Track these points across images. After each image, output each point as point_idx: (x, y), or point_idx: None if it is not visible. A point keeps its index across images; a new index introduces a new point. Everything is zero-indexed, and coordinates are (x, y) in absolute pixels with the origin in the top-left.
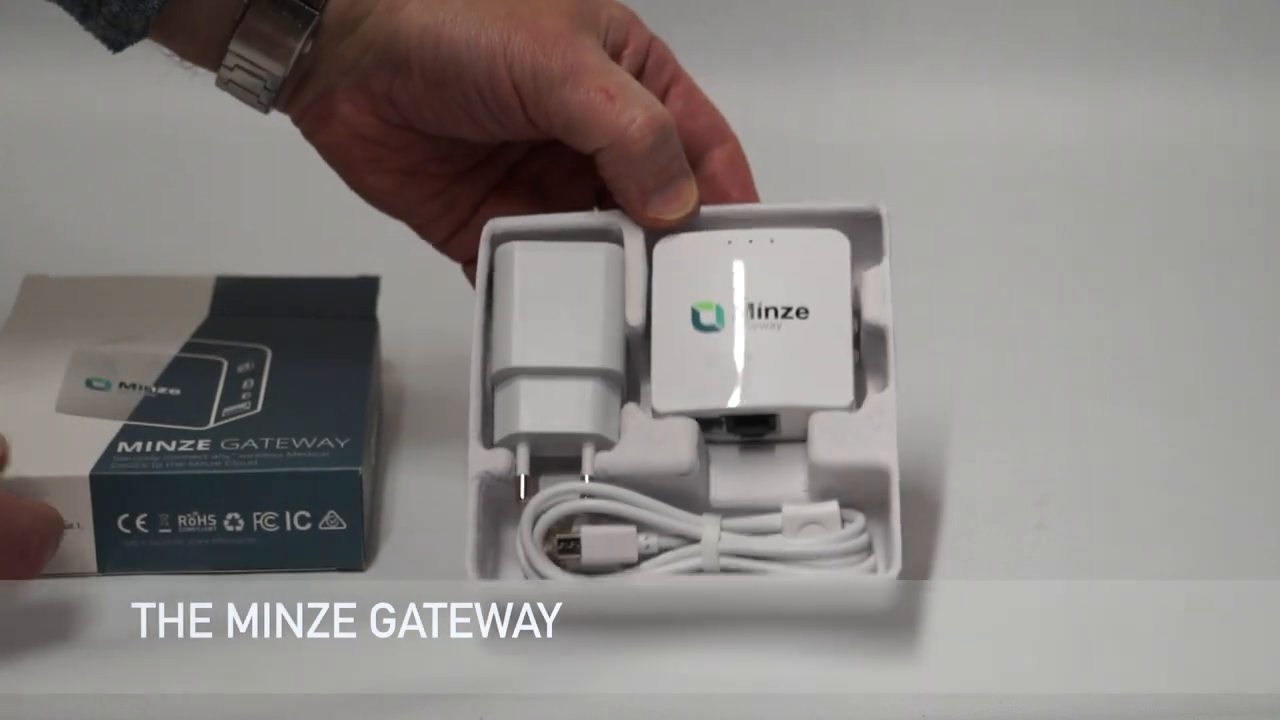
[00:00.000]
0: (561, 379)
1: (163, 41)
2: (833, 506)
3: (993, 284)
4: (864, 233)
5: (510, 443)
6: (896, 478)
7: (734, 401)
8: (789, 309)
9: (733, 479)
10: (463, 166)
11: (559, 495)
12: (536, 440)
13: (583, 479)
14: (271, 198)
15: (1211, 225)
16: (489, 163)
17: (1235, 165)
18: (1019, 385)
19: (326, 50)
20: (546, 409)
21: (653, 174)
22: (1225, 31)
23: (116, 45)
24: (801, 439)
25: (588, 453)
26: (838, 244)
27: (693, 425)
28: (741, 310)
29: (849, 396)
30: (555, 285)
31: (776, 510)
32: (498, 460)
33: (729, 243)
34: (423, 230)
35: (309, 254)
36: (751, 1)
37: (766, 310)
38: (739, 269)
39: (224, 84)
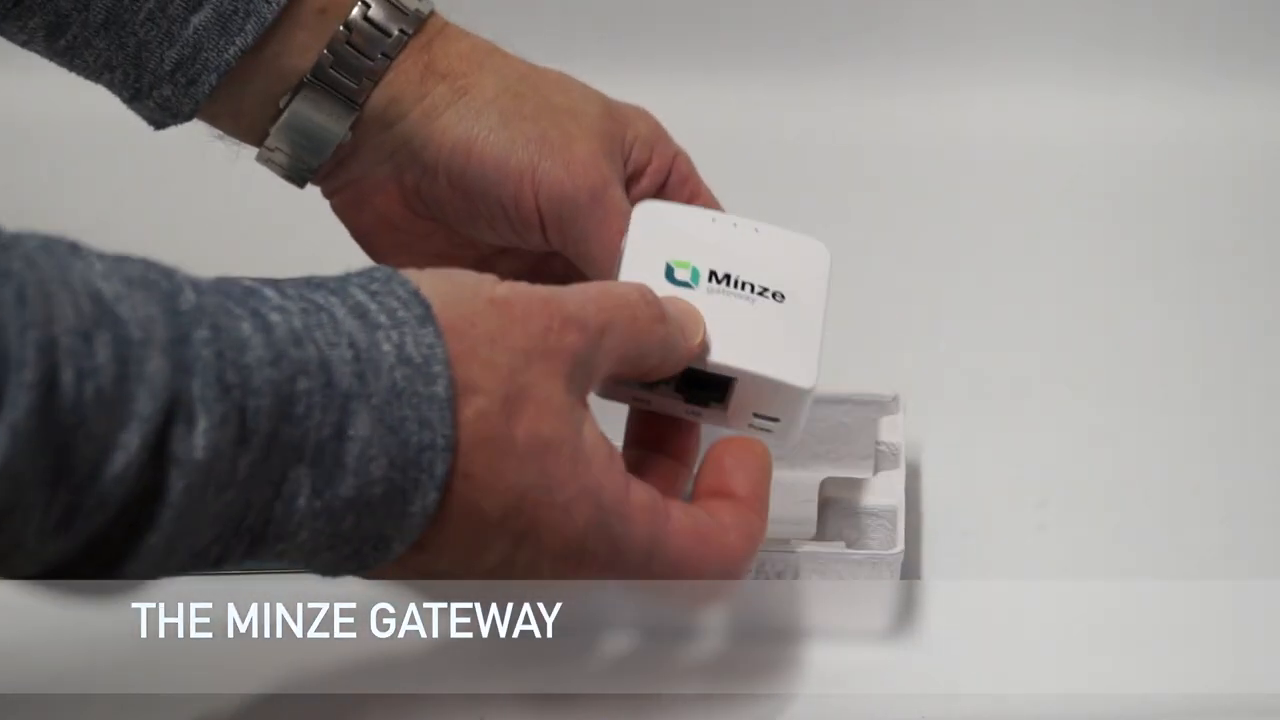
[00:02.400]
0: None
1: (208, 121)
2: (838, 546)
3: (993, 284)
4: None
5: None
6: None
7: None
8: (765, 289)
9: None
10: (485, 253)
11: None
12: None
13: None
14: (272, 199)
15: (1211, 225)
16: (512, 253)
17: (1235, 165)
18: (1019, 385)
19: (364, 141)
20: None
21: (639, 345)
22: (1225, 31)
23: (160, 125)
24: (742, 425)
25: None
26: (819, 252)
27: None
28: (718, 276)
29: (813, 379)
30: None
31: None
32: None
33: (713, 220)
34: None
35: (310, 255)
36: (751, 3)
37: (743, 284)
38: (720, 242)
39: (264, 161)
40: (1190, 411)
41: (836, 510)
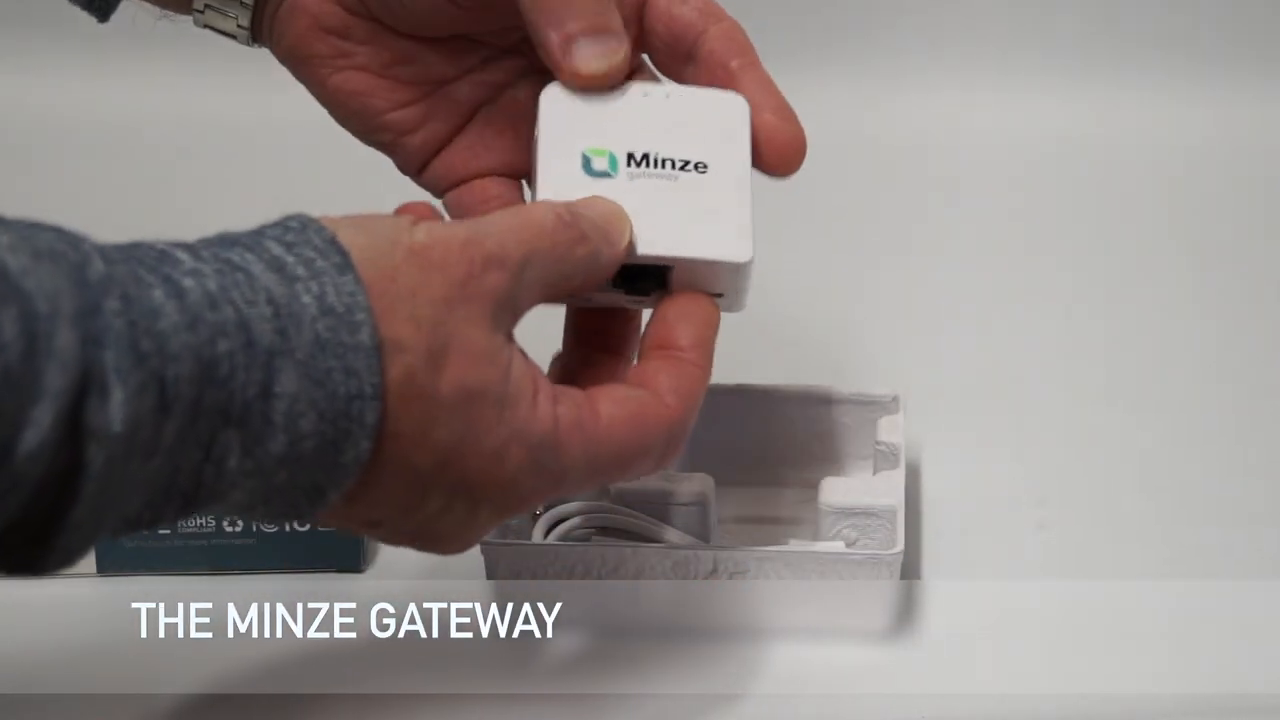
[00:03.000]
0: None
1: None
2: (838, 546)
3: (993, 284)
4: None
5: None
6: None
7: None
8: (686, 162)
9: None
10: (437, 76)
11: (574, 510)
12: None
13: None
14: (272, 200)
15: (1211, 225)
16: (470, 80)
17: (1235, 165)
18: (1019, 385)
19: None
20: None
21: (572, 17)
22: (1225, 32)
23: (104, 9)
24: (688, 289)
25: None
26: (736, 105)
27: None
28: (637, 159)
29: (748, 252)
30: None
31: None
32: None
33: (623, 93)
34: (398, 153)
35: None
36: (751, 3)
37: (663, 161)
38: (634, 118)
39: (201, 24)
40: (1190, 411)
41: (836, 510)
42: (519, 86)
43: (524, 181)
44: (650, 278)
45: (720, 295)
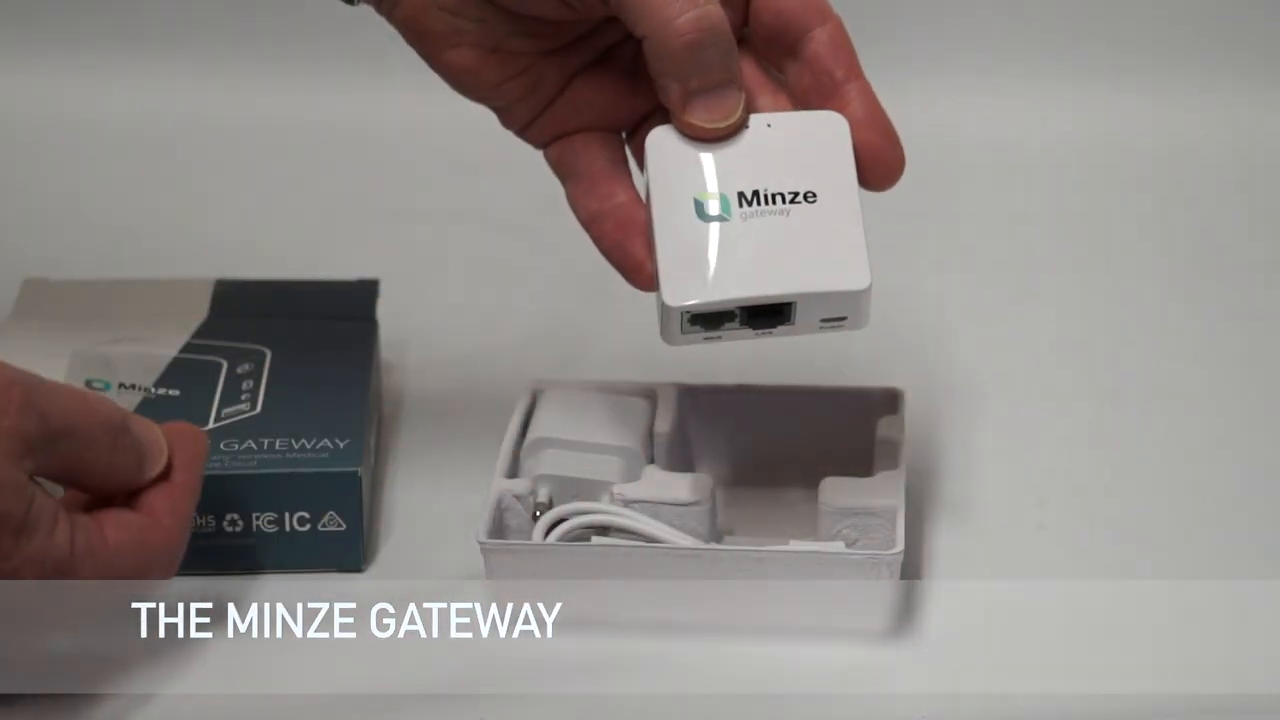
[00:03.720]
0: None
1: None
2: (838, 546)
3: (993, 284)
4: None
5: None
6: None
7: (749, 291)
8: (795, 194)
9: (740, 529)
10: (549, 45)
11: (574, 510)
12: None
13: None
14: (272, 201)
15: (1211, 225)
16: (580, 44)
17: (1235, 165)
18: (1019, 385)
19: None
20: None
21: (695, 74)
22: (1225, 31)
23: None
24: (813, 330)
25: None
26: (836, 124)
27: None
28: (748, 197)
29: (866, 277)
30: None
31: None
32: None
33: None
34: (502, 114)
35: (309, 257)
36: None
37: (773, 196)
38: (738, 154)
39: None
40: (1190, 411)
41: (836, 510)
42: (617, 50)
43: (624, 134)
44: (776, 313)
45: (843, 320)
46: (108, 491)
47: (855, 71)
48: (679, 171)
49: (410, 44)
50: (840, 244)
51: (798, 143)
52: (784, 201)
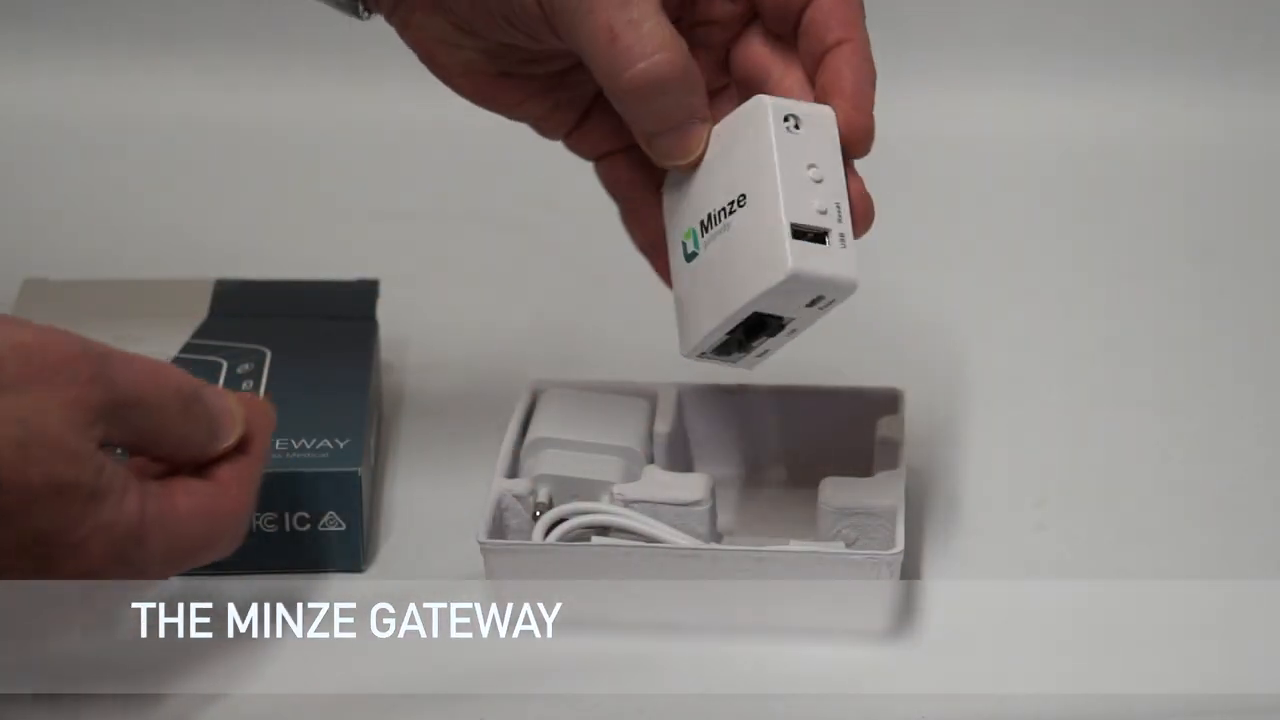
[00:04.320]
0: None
1: None
2: (838, 546)
3: (993, 283)
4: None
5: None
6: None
7: (716, 320)
8: (730, 204)
9: (740, 529)
10: (555, 68)
11: (574, 510)
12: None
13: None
14: (272, 201)
15: (1212, 225)
16: (584, 67)
17: (1235, 165)
18: (1019, 385)
19: None
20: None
21: (652, 120)
22: (1226, 32)
23: None
24: (815, 316)
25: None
26: (756, 109)
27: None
28: (707, 224)
29: (785, 268)
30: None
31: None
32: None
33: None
34: (538, 129)
35: (309, 257)
36: None
37: (718, 215)
38: (704, 176)
39: None
40: (1190, 411)
41: (836, 510)
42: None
43: None
44: (762, 323)
45: (820, 297)
46: (179, 461)
47: (846, 36)
48: (674, 210)
49: (428, 68)
50: (764, 239)
51: (730, 144)
52: (726, 216)
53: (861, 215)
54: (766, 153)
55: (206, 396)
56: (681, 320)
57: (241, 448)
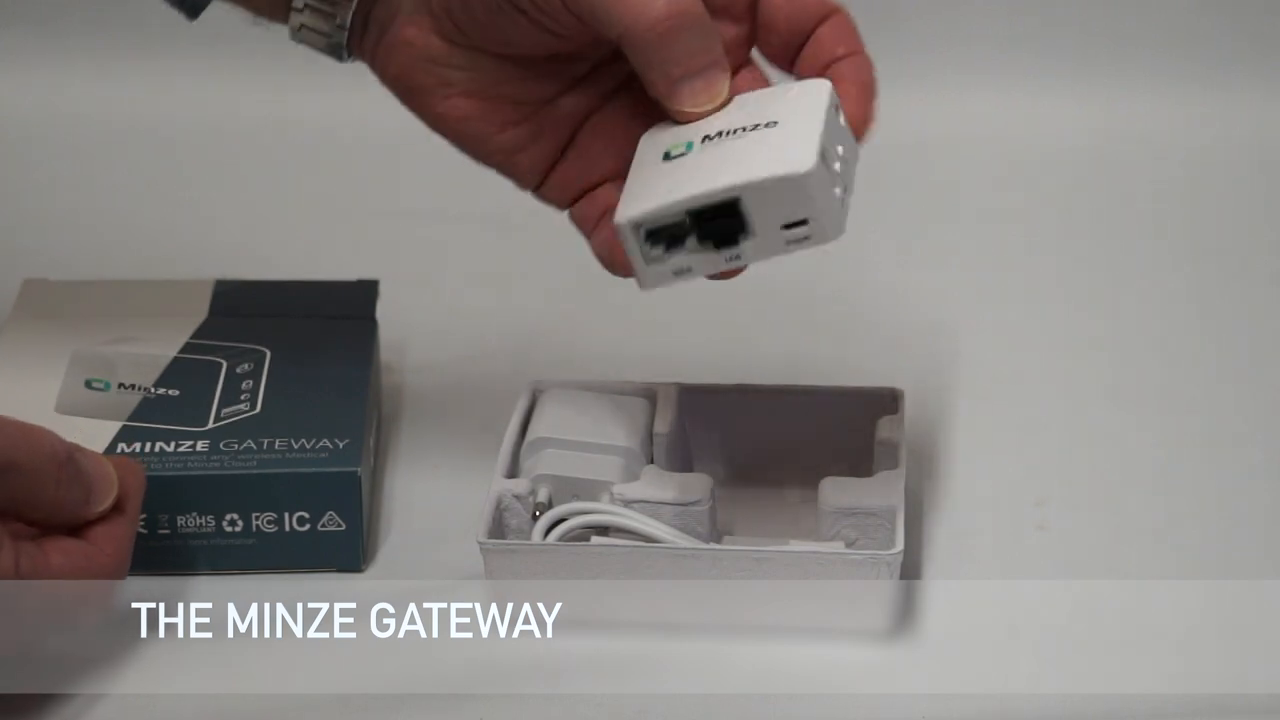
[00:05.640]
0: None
1: None
2: (838, 546)
3: (993, 284)
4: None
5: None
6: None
7: (690, 191)
8: (758, 124)
9: (740, 529)
10: (540, 94)
11: (574, 510)
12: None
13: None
14: (271, 201)
15: (1211, 225)
16: (573, 94)
17: (1235, 165)
18: (1019, 385)
19: None
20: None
21: (678, 62)
22: (1225, 32)
23: (196, 6)
24: (782, 248)
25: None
26: (817, 88)
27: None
28: (712, 136)
29: (810, 161)
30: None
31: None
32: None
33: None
34: (514, 172)
35: (309, 257)
36: None
37: (735, 130)
38: (721, 117)
39: (297, 30)
40: (1190, 411)
41: (836, 510)
42: (622, 94)
43: None
44: (729, 220)
45: (805, 223)
46: (53, 524)
47: (854, 49)
48: (662, 139)
49: (405, 104)
50: (789, 140)
51: (767, 103)
52: (744, 132)
53: None
54: (816, 111)
55: (81, 461)
56: (628, 198)
57: (116, 508)
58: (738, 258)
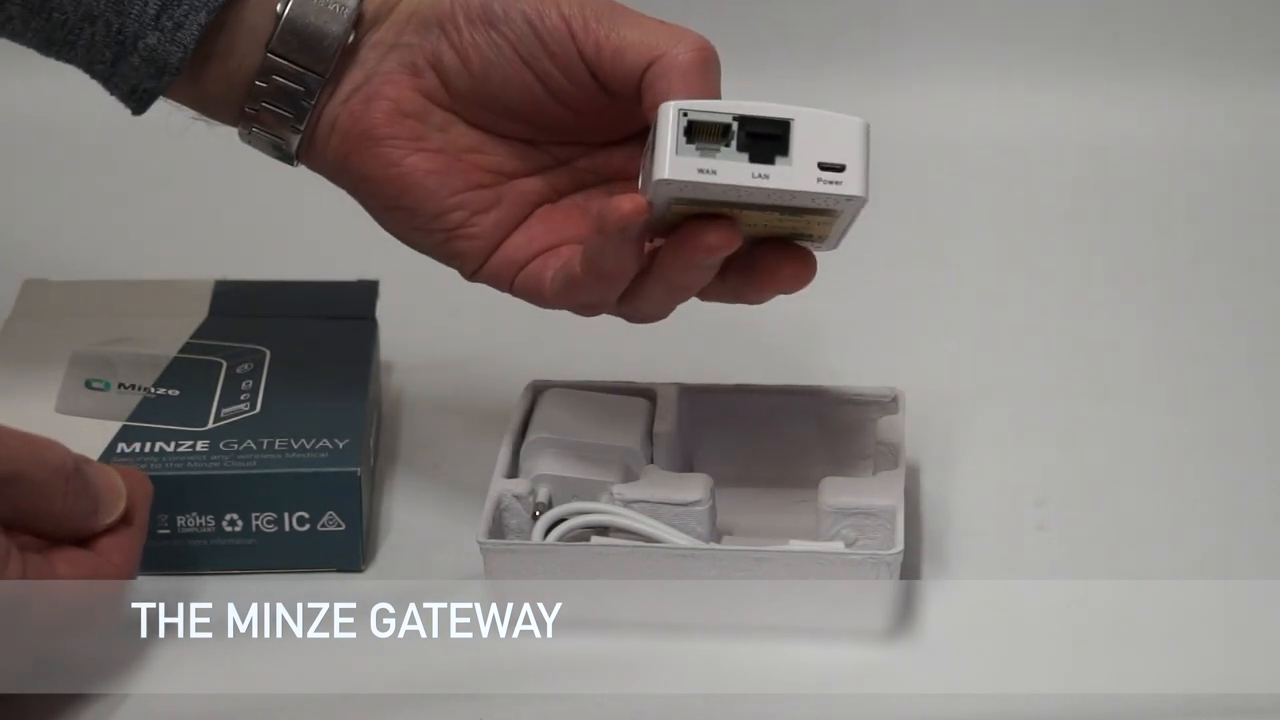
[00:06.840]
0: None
1: (191, 84)
2: (838, 546)
3: (993, 284)
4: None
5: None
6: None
7: (747, 106)
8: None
9: (740, 529)
10: (508, 169)
11: (574, 510)
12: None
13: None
14: (271, 201)
15: (1212, 225)
16: (538, 178)
17: (1235, 165)
18: (1019, 385)
19: (365, 40)
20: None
21: (700, 92)
22: (1225, 31)
23: (144, 99)
24: (812, 184)
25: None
26: (852, 124)
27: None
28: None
29: (859, 117)
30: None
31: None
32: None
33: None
34: (465, 242)
35: (309, 257)
36: (750, 2)
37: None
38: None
39: (249, 123)
40: (1190, 411)
41: (836, 510)
42: (579, 195)
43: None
44: (773, 139)
45: (841, 170)
46: (61, 536)
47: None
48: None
49: (362, 166)
50: (831, 113)
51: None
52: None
53: None
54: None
55: (89, 472)
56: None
57: (124, 519)
58: (765, 177)
